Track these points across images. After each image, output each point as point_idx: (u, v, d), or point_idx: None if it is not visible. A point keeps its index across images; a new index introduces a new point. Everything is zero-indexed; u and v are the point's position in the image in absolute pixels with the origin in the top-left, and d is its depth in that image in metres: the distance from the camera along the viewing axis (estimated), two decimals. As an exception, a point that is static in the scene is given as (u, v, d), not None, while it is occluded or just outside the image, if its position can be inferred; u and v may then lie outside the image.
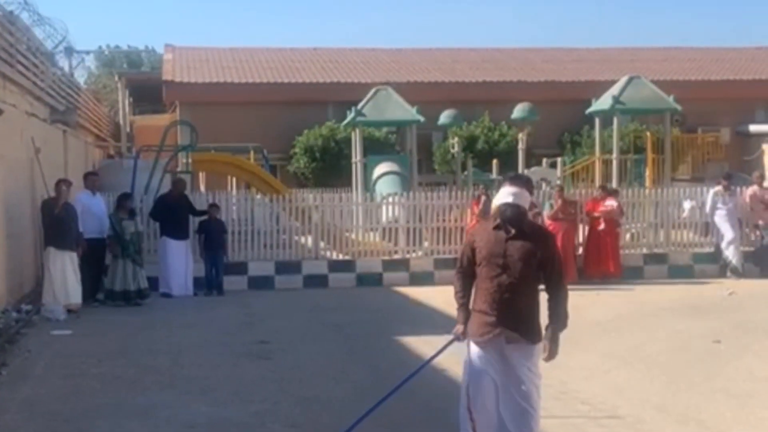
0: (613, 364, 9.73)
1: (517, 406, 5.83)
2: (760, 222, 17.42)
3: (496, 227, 5.89)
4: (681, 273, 17.23)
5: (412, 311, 13.99)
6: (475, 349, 5.96)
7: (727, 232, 17.06)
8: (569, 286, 16.36)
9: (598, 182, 22.83)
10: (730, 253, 17.00)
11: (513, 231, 5.78)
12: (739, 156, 29.73)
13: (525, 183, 5.96)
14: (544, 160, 24.97)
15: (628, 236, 17.84)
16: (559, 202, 16.88)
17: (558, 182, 20.27)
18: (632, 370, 9.51)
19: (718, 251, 17.25)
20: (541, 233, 6.02)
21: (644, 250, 17.69)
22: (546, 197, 17.59)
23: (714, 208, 17.13)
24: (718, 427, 7.22)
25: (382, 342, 11.24)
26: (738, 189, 17.69)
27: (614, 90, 23.54)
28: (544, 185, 20.47)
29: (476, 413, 5.91)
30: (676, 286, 16.24)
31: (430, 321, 12.74)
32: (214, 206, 16.41)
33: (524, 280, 5.78)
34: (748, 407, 7.83)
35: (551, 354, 5.84)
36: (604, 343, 10.95)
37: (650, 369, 9.50)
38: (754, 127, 30.44)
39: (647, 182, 23.11)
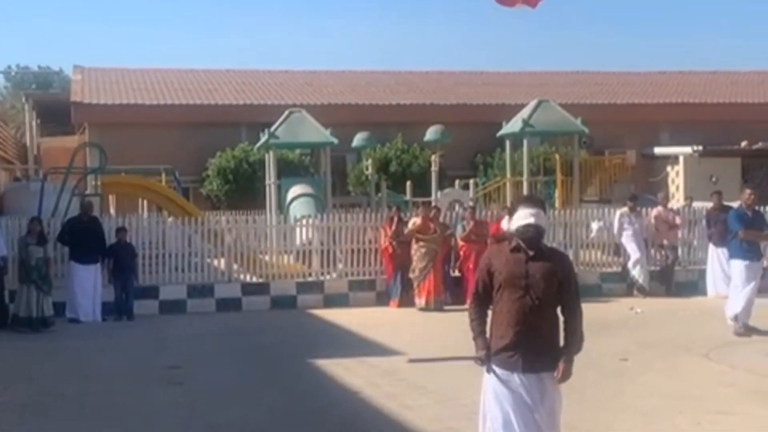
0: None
1: (544, 425, 5.78)
2: (665, 242, 17.87)
3: (514, 249, 5.83)
4: (589, 292, 17.47)
5: (328, 334, 13.96)
6: (494, 377, 5.83)
7: (634, 252, 17.44)
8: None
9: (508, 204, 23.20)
10: (637, 273, 17.39)
11: (532, 252, 5.75)
12: (644, 177, 30.44)
13: (541, 204, 5.94)
14: (457, 181, 25.21)
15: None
16: (471, 223, 17.06)
17: (470, 204, 20.48)
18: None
19: (626, 271, 17.64)
20: (558, 253, 6.03)
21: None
22: (459, 219, 17.76)
23: (621, 228, 17.51)
24: (626, 443, 7.38)
25: (297, 365, 11.18)
26: (644, 210, 18.12)
27: (524, 113, 23.98)
28: (457, 207, 20.70)
29: None
30: (584, 305, 16.40)
31: (345, 343, 12.76)
32: (122, 230, 16.17)
33: (547, 301, 5.73)
34: (655, 423, 8.02)
35: (565, 376, 5.75)
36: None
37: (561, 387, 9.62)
38: (659, 150, 31.22)
39: (557, 203, 23.54)
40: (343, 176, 29.92)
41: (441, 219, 17.24)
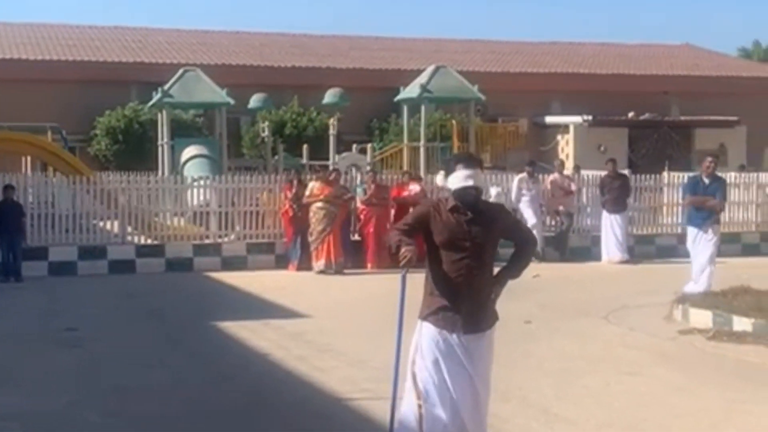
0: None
1: (476, 394, 5.65)
2: (561, 208, 18.13)
3: (453, 209, 5.66)
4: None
5: (228, 296, 13.70)
6: (429, 335, 5.68)
7: (530, 217, 17.63)
8: (381, 271, 16.45)
9: (406, 168, 23.20)
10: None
11: (471, 214, 5.59)
12: (536, 146, 30.92)
13: (479, 163, 5.77)
14: (354, 146, 25.10)
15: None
16: (372, 187, 16.98)
17: (370, 167, 20.40)
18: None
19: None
20: (494, 207, 5.93)
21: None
22: (359, 182, 17.66)
23: (519, 194, 17.70)
24: (540, 402, 7.41)
25: (200, 328, 10.92)
26: (540, 176, 18.35)
27: (422, 79, 24.04)
28: (354, 170, 20.59)
29: (427, 404, 5.62)
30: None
31: (248, 306, 12.55)
32: (9, 188, 15.53)
33: (487, 262, 5.64)
34: (566, 384, 8.09)
35: (496, 295, 5.70)
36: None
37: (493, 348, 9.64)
38: (550, 119, 31.77)
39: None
40: (237, 138, 29.45)
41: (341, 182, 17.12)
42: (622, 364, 8.88)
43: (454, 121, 25.07)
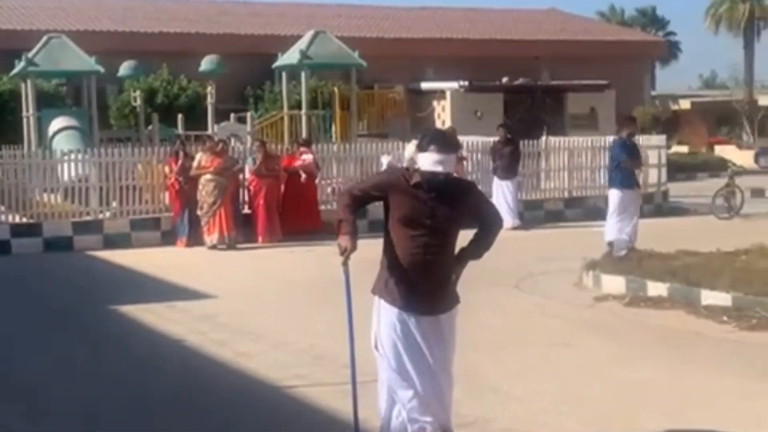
0: (362, 323, 9.40)
1: (437, 381, 5.35)
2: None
3: (417, 186, 5.25)
4: (380, 227, 17.34)
5: (120, 277, 12.96)
6: (386, 318, 5.35)
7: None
8: (274, 245, 15.95)
9: (287, 137, 22.65)
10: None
11: (435, 193, 5.21)
12: (412, 112, 30.76)
13: (453, 146, 5.37)
14: (232, 114, 24.32)
15: (329, 190, 17.76)
16: (260, 157, 16.40)
17: (257, 137, 19.80)
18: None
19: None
20: (465, 186, 5.51)
21: (344, 206, 17.66)
22: (249, 152, 17.05)
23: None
24: (485, 381, 7.13)
25: (98, 313, 10.24)
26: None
27: (301, 44, 23.40)
28: (233, 140, 19.94)
29: (401, 389, 5.32)
30: (375, 241, 16.32)
31: (144, 287, 11.87)
32: None
33: (449, 241, 5.30)
34: (504, 359, 7.89)
35: (457, 277, 5.40)
36: (341, 300, 10.58)
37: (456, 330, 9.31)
38: (425, 85, 31.62)
39: (335, 138, 23.26)
40: (104, 108, 28.11)
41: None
42: (551, 336, 8.74)
43: (336, 89, 24.54)
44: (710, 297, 9.58)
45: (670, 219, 19.22)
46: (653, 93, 42.30)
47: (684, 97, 50.67)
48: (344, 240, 5.18)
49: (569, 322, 9.47)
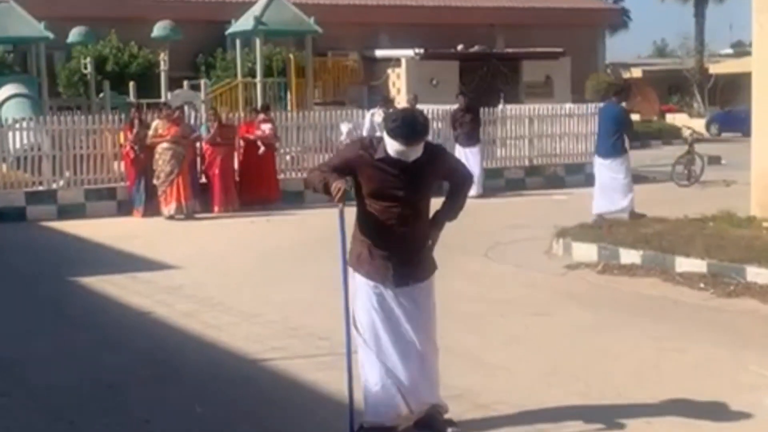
0: (327, 293, 9.16)
1: (420, 352, 5.16)
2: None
3: (383, 160, 4.99)
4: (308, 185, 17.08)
5: (77, 248, 12.56)
6: (362, 291, 5.14)
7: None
8: (232, 215, 15.62)
9: (241, 105, 22.24)
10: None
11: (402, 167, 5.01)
12: (367, 80, 30.41)
13: (421, 135, 4.93)
14: (186, 82, 23.79)
15: (288, 159, 17.45)
16: (216, 125, 16.02)
17: (211, 105, 19.37)
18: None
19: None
20: (434, 150, 5.17)
21: (303, 175, 17.36)
22: (204, 121, 16.66)
23: (373, 129, 17.15)
24: (469, 352, 6.91)
25: (59, 285, 9.86)
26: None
27: (255, 10, 22.98)
28: (187, 108, 19.48)
29: (382, 366, 5.11)
30: (327, 210, 16.07)
31: (103, 259, 11.51)
32: None
33: (422, 210, 5.12)
34: (483, 329, 7.72)
35: (433, 241, 5.25)
36: (308, 271, 10.38)
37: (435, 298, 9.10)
38: (380, 52, 31.21)
39: (290, 106, 22.88)
40: (53, 76, 27.37)
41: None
42: (529, 305, 8.59)
43: (291, 56, 24.09)
44: (685, 264, 9.50)
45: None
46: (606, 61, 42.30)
47: (635, 65, 50.92)
48: (340, 183, 4.91)
49: (545, 290, 9.33)
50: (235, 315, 8.25)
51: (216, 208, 15.66)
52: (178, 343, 7.47)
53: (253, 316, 8.20)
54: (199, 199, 15.60)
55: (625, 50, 60.06)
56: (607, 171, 13.35)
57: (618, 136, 13.37)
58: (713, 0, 49.95)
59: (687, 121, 37.43)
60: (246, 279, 10.01)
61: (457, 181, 5.33)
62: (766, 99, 12.36)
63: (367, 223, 5.14)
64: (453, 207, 5.30)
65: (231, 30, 23.69)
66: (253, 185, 16.30)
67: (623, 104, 13.95)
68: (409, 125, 4.89)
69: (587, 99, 29.47)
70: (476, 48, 31.10)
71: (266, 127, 16.44)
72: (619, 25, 54.28)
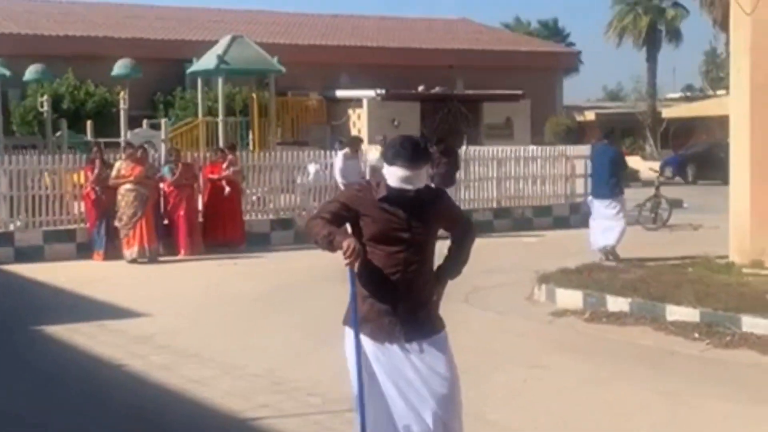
0: (312, 344, 8.77)
1: (437, 418, 4.63)
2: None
3: (384, 200, 4.62)
4: (306, 238, 16.66)
5: (38, 294, 11.99)
6: (370, 350, 4.65)
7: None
8: (198, 258, 15.06)
9: (203, 145, 21.85)
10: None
11: (405, 206, 4.64)
12: (327, 120, 30.16)
13: (425, 159, 4.63)
14: (145, 121, 23.31)
15: (254, 199, 17.05)
16: (180, 166, 15.58)
17: (175, 146, 18.94)
18: (334, 346, 8.63)
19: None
20: (434, 192, 4.81)
21: (270, 216, 16.99)
22: (165, 161, 16.20)
23: (342, 171, 16.83)
24: (468, 408, 6.54)
25: (21, 334, 9.33)
26: (362, 153, 17.57)
27: (218, 49, 22.67)
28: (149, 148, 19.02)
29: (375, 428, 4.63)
30: (311, 252, 15.54)
31: (66, 305, 11.01)
32: None
33: (428, 255, 4.70)
34: (479, 382, 7.29)
35: (438, 298, 4.82)
36: (288, 319, 9.98)
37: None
38: (341, 92, 31.02)
39: (253, 146, 22.50)
40: (6, 114, 26.72)
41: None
42: (521, 356, 8.26)
43: (254, 95, 23.74)
44: (676, 312, 9.25)
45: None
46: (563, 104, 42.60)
47: (589, 108, 51.35)
48: (351, 243, 4.46)
49: (534, 339, 9.02)
50: (215, 367, 7.81)
51: (181, 251, 15.19)
52: (159, 398, 7.01)
53: (235, 368, 7.76)
54: (163, 242, 15.14)
55: (576, 94, 60.57)
56: (605, 210, 13.65)
57: (617, 178, 13.70)
58: (666, 44, 50.58)
59: (640, 164, 37.72)
60: (221, 328, 9.57)
61: (460, 231, 4.94)
62: (743, 143, 12.28)
63: (368, 273, 4.70)
64: (458, 260, 4.90)
65: (192, 69, 23.31)
66: (218, 227, 15.85)
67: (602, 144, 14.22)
68: (411, 147, 4.59)
69: (546, 141, 29.55)
70: (437, 89, 31.02)
71: (233, 168, 16.02)
72: (571, 69, 54.82)
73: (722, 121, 43.42)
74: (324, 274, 13.29)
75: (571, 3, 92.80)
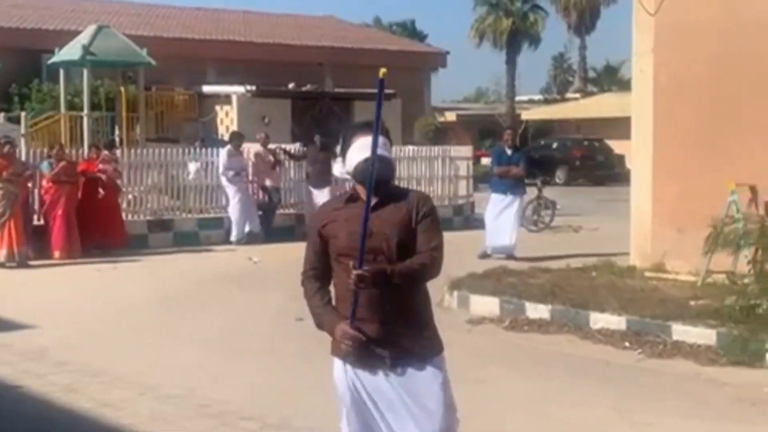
0: (226, 359, 8.09)
1: None
2: (268, 183, 16.75)
3: (350, 199, 4.04)
4: (187, 240, 15.92)
5: None
6: (353, 381, 4.01)
7: (233, 194, 16.13)
8: (74, 261, 14.03)
9: (66, 140, 20.56)
10: (237, 217, 16.10)
11: (375, 198, 3.90)
12: (200, 116, 29.08)
13: (384, 132, 4.05)
14: (2, 114, 21.79)
15: (129, 198, 16.09)
16: (61, 162, 14.48)
17: (58, 141, 17.72)
18: (250, 361, 8.00)
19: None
20: (413, 192, 4.18)
21: (148, 217, 16.06)
22: (44, 157, 15.05)
23: (225, 169, 16.08)
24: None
25: None
26: (245, 149, 16.82)
27: (82, 39, 21.43)
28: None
29: None
30: (191, 255, 14.91)
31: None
32: None
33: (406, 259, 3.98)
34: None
35: (379, 272, 3.88)
36: (191, 330, 9.24)
37: (274, 358, 8.10)
38: (208, 88, 29.93)
39: (120, 143, 21.33)
40: None
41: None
42: (451, 369, 7.71)
43: (122, 89, 22.51)
44: (600, 320, 9.02)
45: (481, 231, 18.90)
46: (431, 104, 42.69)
47: (450, 109, 51.75)
48: (342, 327, 3.91)
49: (457, 349, 8.40)
50: (127, 387, 7.04)
51: (56, 254, 14.12)
52: (70, 426, 6.22)
53: (150, 388, 7.01)
54: (36, 244, 14.05)
55: (438, 95, 60.95)
56: (504, 209, 14.05)
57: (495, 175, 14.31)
58: (527, 48, 51.45)
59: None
60: (123, 341, 8.76)
61: (426, 251, 4.03)
62: (645, 146, 12.26)
63: (342, 296, 4.04)
64: (412, 262, 3.99)
65: (54, 59, 21.94)
66: (96, 228, 14.79)
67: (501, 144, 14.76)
68: (360, 121, 4.23)
69: (415, 142, 29.41)
70: (309, 86, 30.40)
71: (108, 167, 15.01)
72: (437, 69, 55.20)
73: (578, 124, 44.66)
74: (214, 279, 12.63)
75: (429, 5, 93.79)
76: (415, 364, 4.08)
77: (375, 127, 3.93)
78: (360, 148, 3.99)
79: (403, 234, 3.98)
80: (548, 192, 20.50)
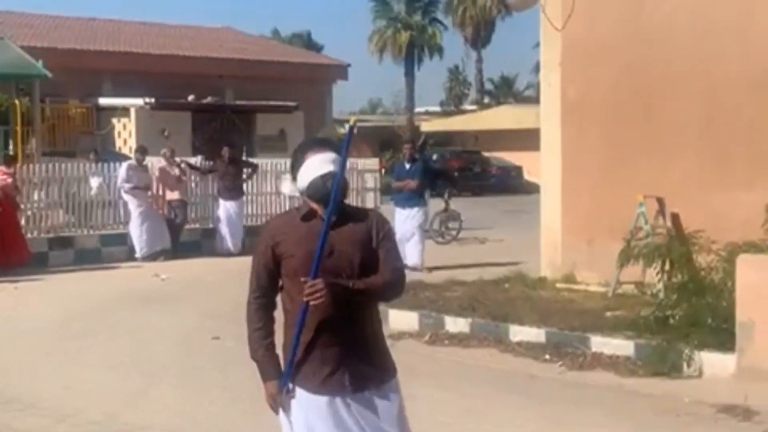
0: (140, 381, 7.84)
1: None
2: (174, 196, 16.38)
3: (307, 216, 3.91)
4: (89, 257, 15.47)
5: None
6: (303, 402, 3.84)
7: (135, 208, 15.77)
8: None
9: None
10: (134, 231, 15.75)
11: (333, 216, 3.78)
12: (90, 129, 28.39)
13: (337, 148, 3.97)
14: None
15: (29, 214, 15.56)
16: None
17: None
18: (180, 385, 7.75)
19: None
20: (370, 211, 4.09)
21: (49, 234, 15.54)
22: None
23: (129, 183, 15.68)
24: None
25: None
26: (150, 164, 16.44)
27: (-28, 49, 20.69)
28: None
29: None
30: (95, 273, 14.49)
31: None
32: None
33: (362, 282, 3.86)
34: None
35: (333, 286, 3.75)
36: (101, 352, 8.94)
37: (193, 379, 7.89)
38: (105, 101, 29.28)
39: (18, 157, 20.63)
40: None
41: None
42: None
43: (17, 101, 21.77)
44: (520, 333, 9.07)
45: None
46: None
47: (348, 121, 51.82)
48: (268, 389, 3.87)
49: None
50: (44, 415, 6.74)
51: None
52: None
53: (69, 415, 6.73)
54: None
55: (336, 107, 61.06)
56: (408, 222, 13.93)
57: (423, 189, 14.30)
58: (428, 60, 51.98)
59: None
60: (32, 364, 8.41)
61: (386, 271, 3.93)
62: (554, 159, 12.41)
63: (296, 317, 3.86)
64: (376, 278, 3.92)
65: (-57, 70, 21.11)
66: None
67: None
68: (318, 138, 4.44)
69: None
70: (209, 99, 30.01)
71: (3, 179, 14.48)
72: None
73: (477, 135, 45.20)
74: (121, 297, 12.29)
75: (324, 17, 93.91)
76: (372, 389, 3.97)
77: (341, 165, 3.88)
78: (314, 165, 3.90)
79: (365, 253, 3.90)
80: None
